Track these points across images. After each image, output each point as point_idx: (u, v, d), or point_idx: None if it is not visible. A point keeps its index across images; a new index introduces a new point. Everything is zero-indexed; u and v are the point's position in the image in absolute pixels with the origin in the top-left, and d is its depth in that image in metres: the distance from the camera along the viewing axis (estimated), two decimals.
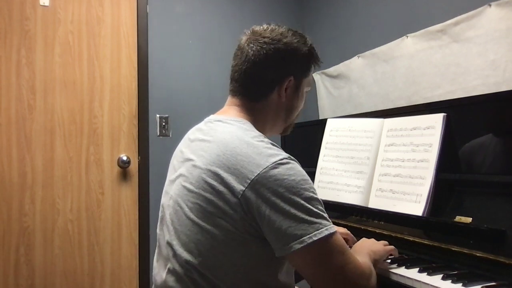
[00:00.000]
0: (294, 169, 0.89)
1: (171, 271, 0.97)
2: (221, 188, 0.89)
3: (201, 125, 1.09)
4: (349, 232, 1.40)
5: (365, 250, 1.09)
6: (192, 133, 1.10)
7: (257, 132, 0.98)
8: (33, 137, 2.27)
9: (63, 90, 2.34)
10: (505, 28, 1.58)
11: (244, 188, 0.87)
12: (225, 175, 0.89)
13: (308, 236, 0.84)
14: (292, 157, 0.92)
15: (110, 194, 2.42)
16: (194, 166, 0.96)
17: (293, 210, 0.85)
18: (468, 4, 1.73)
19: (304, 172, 0.91)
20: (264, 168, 0.87)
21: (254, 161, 0.88)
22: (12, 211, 2.22)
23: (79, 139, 2.36)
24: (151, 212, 2.45)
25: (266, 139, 0.96)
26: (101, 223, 2.39)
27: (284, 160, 0.89)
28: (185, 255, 0.93)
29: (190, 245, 0.93)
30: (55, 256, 2.29)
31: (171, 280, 0.96)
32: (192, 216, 0.93)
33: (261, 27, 1.06)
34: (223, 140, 0.95)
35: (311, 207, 0.87)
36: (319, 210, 0.88)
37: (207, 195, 0.91)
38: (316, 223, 0.86)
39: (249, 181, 0.86)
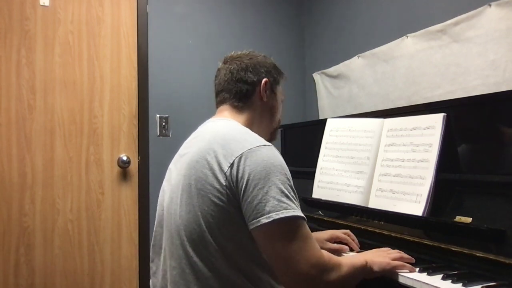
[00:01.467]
0: (275, 155, 0.99)
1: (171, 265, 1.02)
2: (211, 165, 0.98)
3: (198, 129, 1.21)
4: (346, 237, 1.40)
5: (363, 256, 1.09)
6: (188, 138, 1.21)
7: (245, 128, 1.10)
8: (33, 137, 2.27)
9: (63, 90, 2.34)
10: (505, 28, 1.58)
11: (229, 164, 0.96)
12: (214, 154, 0.99)
13: (275, 213, 0.91)
14: (274, 146, 1.02)
15: (110, 194, 2.42)
16: (187, 154, 1.07)
17: (266, 188, 0.93)
18: (468, 4, 1.73)
19: (283, 161, 1.00)
20: (249, 148, 0.97)
21: (240, 144, 0.99)
22: (12, 211, 2.22)
23: (79, 139, 2.36)
24: (151, 212, 2.45)
25: (253, 132, 1.07)
26: (101, 223, 2.39)
27: (267, 146, 1.00)
28: (182, 236, 0.99)
29: (187, 226, 0.99)
30: (55, 256, 2.29)
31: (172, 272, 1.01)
32: (185, 196, 1.01)
33: (232, 52, 1.26)
34: (215, 129, 1.09)
35: (284, 189, 0.94)
36: (291, 195, 0.95)
37: (198, 174, 0.99)
38: (285, 203, 0.92)
39: (234, 158, 0.96)
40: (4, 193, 2.21)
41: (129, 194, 2.46)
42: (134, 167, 2.47)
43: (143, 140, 2.48)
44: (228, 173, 0.96)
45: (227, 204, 0.96)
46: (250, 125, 1.15)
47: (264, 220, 0.90)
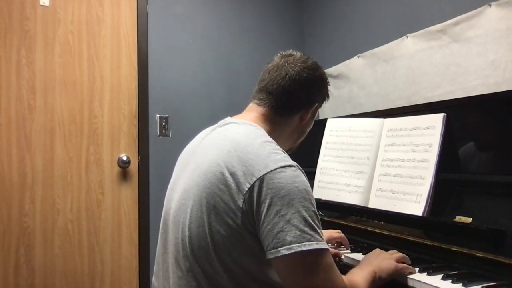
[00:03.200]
0: (300, 178, 0.91)
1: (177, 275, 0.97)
2: (227, 182, 0.91)
3: (215, 125, 1.11)
4: (343, 235, 1.40)
5: (371, 266, 1.07)
6: (205, 132, 1.12)
7: (269, 138, 1.00)
8: (33, 137, 2.27)
9: (63, 90, 2.34)
10: (505, 28, 1.57)
11: (249, 185, 0.89)
12: (233, 170, 0.91)
13: (297, 244, 0.85)
14: (299, 167, 0.94)
15: (110, 194, 2.42)
16: (204, 160, 0.99)
17: (289, 215, 0.86)
18: (468, 4, 1.73)
19: (308, 184, 0.92)
20: (272, 170, 0.89)
21: (263, 161, 0.90)
22: (12, 211, 2.22)
23: (79, 139, 2.36)
24: (151, 212, 2.45)
25: (277, 146, 0.98)
26: (101, 223, 2.39)
27: (292, 167, 0.91)
28: (187, 248, 0.95)
29: (194, 238, 0.94)
30: (55, 256, 2.29)
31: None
32: (196, 208, 0.94)
33: (294, 53, 1.13)
34: (236, 138, 0.98)
35: (308, 218, 0.87)
36: (315, 224, 0.88)
37: (214, 188, 0.92)
38: (309, 234, 0.86)
39: (255, 179, 0.88)
40: (4, 193, 2.21)
41: (129, 194, 2.46)
42: (134, 167, 2.47)
43: (143, 140, 2.48)
44: (247, 196, 0.88)
45: (240, 227, 0.89)
46: (275, 138, 1.03)
47: (284, 251, 0.84)
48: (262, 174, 0.88)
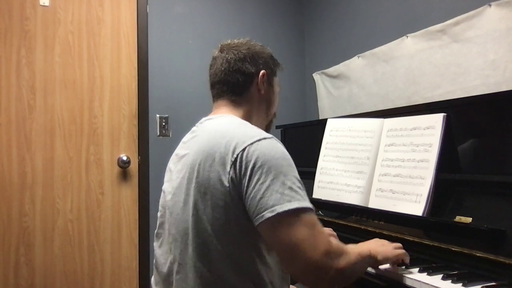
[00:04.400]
0: (276, 147, 0.96)
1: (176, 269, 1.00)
2: (213, 166, 0.95)
3: (193, 128, 1.18)
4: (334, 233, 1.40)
5: (367, 246, 1.07)
6: (185, 136, 1.19)
7: (243, 121, 1.08)
8: (33, 137, 2.27)
9: (63, 90, 2.34)
10: (505, 28, 1.58)
11: (231, 163, 0.94)
12: (216, 155, 0.96)
13: (279, 205, 0.88)
14: (276, 138, 0.99)
15: (110, 194, 2.42)
16: (188, 156, 1.04)
17: (268, 182, 0.90)
18: (468, 4, 1.73)
19: (285, 151, 0.97)
20: (248, 144, 0.94)
21: (240, 139, 0.96)
22: (12, 211, 2.22)
23: (79, 139, 2.36)
24: (151, 212, 2.45)
25: (252, 125, 1.05)
26: (101, 223, 2.39)
27: (268, 139, 0.97)
28: (187, 239, 0.98)
29: (194, 229, 0.97)
30: (55, 256, 2.29)
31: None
32: (188, 199, 0.99)
33: (228, 41, 1.24)
34: (212, 129, 1.05)
35: (287, 181, 0.91)
36: (295, 186, 0.92)
37: (201, 177, 0.96)
38: (288, 196, 0.90)
39: (235, 156, 0.94)
40: (4, 193, 2.21)
41: (129, 194, 2.46)
42: (134, 167, 2.47)
43: (143, 140, 2.48)
44: (231, 174, 0.93)
45: (231, 206, 0.93)
46: (248, 118, 1.12)
47: (268, 214, 0.88)
48: (240, 150, 0.94)
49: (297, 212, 0.89)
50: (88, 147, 2.38)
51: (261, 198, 0.89)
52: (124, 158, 2.42)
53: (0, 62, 2.22)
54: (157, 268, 1.11)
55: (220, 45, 1.22)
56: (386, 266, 1.16)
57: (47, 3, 2.31)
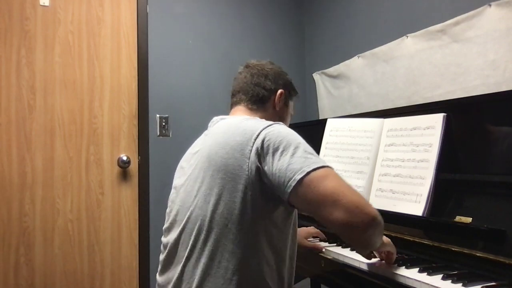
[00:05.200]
0: (289, 129, 1.05)
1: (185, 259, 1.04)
2: (232, 150, 1.01)
3: (206, 131, 1.23)
4: (319, 230, 1.51)
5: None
6: (199, 138, 1.24)
7: (257, 117, 1.15)
8: (33, 137, 2.27)
9: (63, 90, 2.34)
10: (505, 28, 1.58)
11: (250, 148, 1.00)
12: (232, 143, 1.02)
13: (307, 165, 0.94)
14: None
15: (110, 194, 2.42)
16: (203, 150, 1.10)
17: (291, 151, 0.97)
18: (468, 4, 1.73)
19: (296, 133, 1.05)
20: (264, 127, 1.02)
21: (255, 127, 1.03)
22: (12, 211, 2.22)
23: (79, 139, 2.36)
24: (151, 212, 2.45)
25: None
26: (101, 223, 2.39)
27: (280, 124, 1.07)
28: (206, 227, 1.01)
29: (214, 216, 1.01)
30: (55, 256, 2.29)
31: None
32: (204, 188, 1.04)
33: (255, 60, 1.30)
34: (226, 124, 1.13)
35: (307, 149, 0.99)
36: (313, 154, 0.99)
37: (219, 164, 1.02)
38: (311, 159, 0.97)
39: (253, 140, 1.00)
40: (4, 193, 2.21)
41: (129, 194, 2.46)
42: (134, 167, 2.47)
43: (143, 140, 2.48)
44: (252, 157, 0.98)
45: (249, 189, 0.98)
46: None
47: (298, 176, 0.93)
48: (257, 134, 1.01)
49: (325, 168, 0.95)
50: (88, 147, 2.38)
51: (288, 165, 0.95)
52: (124, 158, 2.42)
53: (0, 62, 2.22)
54: (166, 259, 1.13)
55: (246, 62, 1.31)
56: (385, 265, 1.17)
57: (47, 3, 2.31)
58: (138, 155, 2.48)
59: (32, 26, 2.28)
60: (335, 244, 1.43)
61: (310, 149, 1.00)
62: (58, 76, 2.33)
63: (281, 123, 1.08)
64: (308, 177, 0.93)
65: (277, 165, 0.96)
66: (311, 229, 1.52)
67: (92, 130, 2.39)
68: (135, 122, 2.49)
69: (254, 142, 1.00)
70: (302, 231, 1.47)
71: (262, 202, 1.00)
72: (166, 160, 2.46)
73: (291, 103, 1.31)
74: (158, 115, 2.52)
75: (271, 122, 1.06)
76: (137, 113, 2.49)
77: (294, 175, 0.93)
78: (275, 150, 0.98)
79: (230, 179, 1.00)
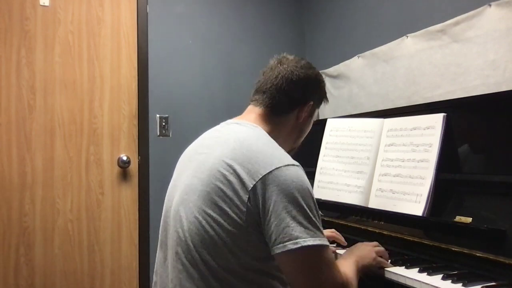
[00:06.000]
0: (303, 177, 0.95)
1: (180, 268, 0.99)
2: (232, 178, 0.93)
3: (217, 126, 1.15)
4: (335, 234, 1.43)
5: (354, 256, 1.12)
6: (207, 133, 1.15)
7: (271, 139, 1.04)
8: (33, 137, 2.27)
9: (63, 90, 2.34)
10: (505, 28, 1.57)
11: (255, 182, 0.91)
12: (238, 167, 0.94)
13: (303, 239, 0.89)
14: (301, 167, 0.98)
15: (110, 194, 2.42)
16: (208, 157, 1.01)
17: (294, 212, 0.90)
18: (468, 4, 1.73)
19: (309, 183, 0.96)
20: (277, 167, 0.92)
21: (268, 159, 0.94)
22: (12, 211, 2.22)
23: (79, 139, 2.36)
24: (151, 212, 2.45)
25: (280, 147, 1.02)
26: (101, 223, 2.39)
27: (296, 166, 0.95)
28: (189, 241, 0.96)
29: (195, 231, 0.96)
30: (55, 256, 2.29)
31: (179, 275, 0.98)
32: (199, 203, 0.96)
33: (289, 56, 1.16)
34: (240, 137, 1.02)
35: (311, 216, 0.92)
36: (317, 221, 0.93)
37: (218, 183, 0.95)
38: (312, 231, 0.91)
39: (261, 176, 0.91)
40: (4, 193, 2.21)
41: (129, 194, 2.46)
42: (134, 167, 2.47)
43: (143, 140, 2.48)
44: (252, 193, 0.91)
45: (245, 222, 0.92)
46: (274, 138, 1.07)
47: (291, 245, 0.88)
48: (268, 171, 0.92)
49: (319, 248, 0.91)
50: (88, 147, 2.38)
51: (286, 227, 0.89)
52: (124, 158, 2.42)
53: (0, 62, 2.22)
54: (158, 261, 1.11)
55: (281, 56, 1.16)
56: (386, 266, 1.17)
57: (47, 3, 2.31)
58: (138, 155, 2.48)
59: (32, 26, 2.28)
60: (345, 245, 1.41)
61: (314, 213, 0.92)
62: (58, 76, 2.33)
63: (296, 164, 0.96)
64: (299, 252, 0.88)
65: (274, 217, 0.89)
66: (328, 233, 1.43)
67: (92, 130, 2.39)
68: (135, 122, 2.49)
69: (259, 180, 0.91)
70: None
71: (253, 234, 0.94)
72: (166, 160, 2.45)
73: (317, 110, 1.21)
74: (158, 115, 2.52)
75: (286, 161, 0.94)
76: (137, 113, 2.49)
77: (287, 240, 0.88)
78: (278, 201, 0.90)
79: (225, 204, 0.94)
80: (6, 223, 2.21)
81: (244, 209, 0.92)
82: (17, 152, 2.24)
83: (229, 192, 0.93)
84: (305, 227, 0.89)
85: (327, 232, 1.43)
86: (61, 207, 2.31)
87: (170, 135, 2.54)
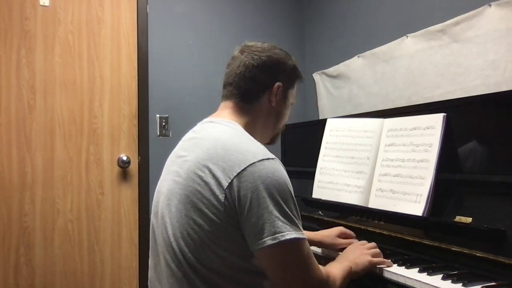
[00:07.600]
0: (279, 170, 0.94)
1: (168, 270, 0.98)
2: (208, 179, 0.93)
3: (195, 127, 1.15)
4: (343, 229, 1.41)
5: (347, 262, 1.12)
6: (186, 135, 1.15)
7: (247, 133, 1.03)
8: (33, 137, 2.27)
9: (63, 90, 2.34)
10: (505, 28, 1.58)
11: (230, 180, 0.91)
12: (213, 167, 0.93)
13: (281, 234, 0.89)
14: (278, 159, 0.97)
15: (110, 194, 2.42)
16: (185, 161, 1.01)
17: (271, 207, 0.89)
18: (468, 4, 1.73)
19: (287, 176, 0.95)
20: (251, 163, 0.91)
21: (242, 156, 0.93)
22: (12, 211, 2.22)
23: (79, 139, 2.36)
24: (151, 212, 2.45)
25: (255, 140, 1.01)
26: (101, 223, 2.39)
27: (271, 159, 0.94)
28: (175, 245, 0.96)
29: (179, 235, 0.96)
30: (55, 256, 2.29)
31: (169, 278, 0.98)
32: (180, 207, 0.96)
33: (252, 42, 1.15)
34: (214, 137, 1.01)
35: (288, 210, 0.92)
36: (294, 216, 0.93)
37: (195, 186, 0.94)
38: (289, 225, 0.90)
39: (235, 174, 0.91)
40: (4, 193, 2.21)
41: (129, 194, 2.46)
42: (134, 167, 2.47)
43: (143, 140, 2.48)
44: (228, 191, 0.90)
45: (223, 221, 0.91)
46: (252, 128, 1.08)
47: (269, 241, 0.88)
48: (242, 168, 0.91)
49: (297, 242, 0.91)
50: (88, 147, 2.38)
51: (264, 223, 0.89)
52: (124, 158, 2.42)
53: (0, 62, 2.22)
54: (151, 268, 1.10)
55: (243, 45, 1.14)
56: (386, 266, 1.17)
57: (47, 3, 2.31)
58: (138, 155, 2.48)
59: (32, 26, 2.28)
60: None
61: (291, 207, 0.92)
62: (58, 76, 2.33)
63: (271, 158, 0.94)
64: (277, 247, 0.88)
65: (252, 214, 0.89)
66: (345, 229, 1.40)
67: (92, 130, 2.39)
68: (135, 122, 2.49)
69: (234, 178, 0.90)
70: (336, 230, 1.39)
71: (233, 231, 0.94)
72: (166, 160, 2.45)
73: (292, 92, 1.17)
74: (158, 115, 2.52)
75: (261, 155, 0.93)
76: (137, 113, 2.49)
77: (265, 237, 0.88)
78: (254, 198, 0.89)
79: (203, 205, 0.93)
80: (6, 223, 2.21)
81: (222, 209, 0.91)
82: (17, 152, 2.24)
83: (206, 193, 0.92)
84: (282, 222, 0.89)
85: (335, 230, 1.41)
86: (61, 207, 2.31)
87: (170, 135, 2.54)
